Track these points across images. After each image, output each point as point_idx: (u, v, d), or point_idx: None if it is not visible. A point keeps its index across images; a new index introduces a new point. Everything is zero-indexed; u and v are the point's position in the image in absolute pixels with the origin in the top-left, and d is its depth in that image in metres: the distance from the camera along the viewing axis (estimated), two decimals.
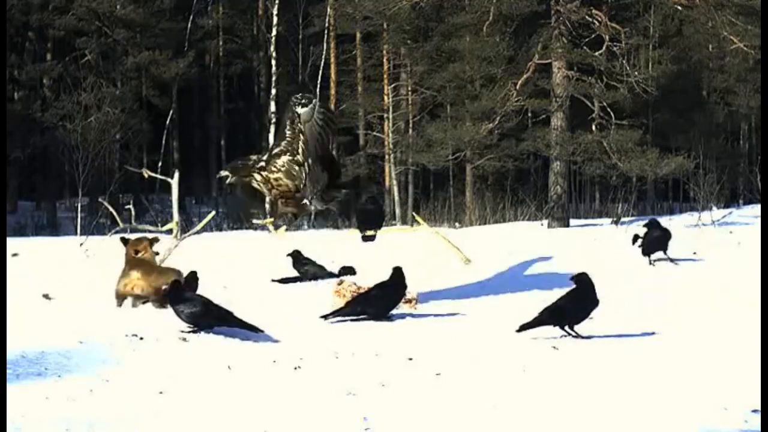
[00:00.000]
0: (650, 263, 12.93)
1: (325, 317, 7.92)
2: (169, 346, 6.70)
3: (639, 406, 5.30)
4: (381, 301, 8.25)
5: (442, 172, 31.56)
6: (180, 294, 7.30)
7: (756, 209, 23.27)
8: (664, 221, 23.55)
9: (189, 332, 7.02)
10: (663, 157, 24.50)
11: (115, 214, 19.04)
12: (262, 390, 5.66)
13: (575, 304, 7.48)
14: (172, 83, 32.47)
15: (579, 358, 6.71)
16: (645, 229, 13.62)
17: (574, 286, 7.61)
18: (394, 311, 8.99)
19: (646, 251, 13.03)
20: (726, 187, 26.16)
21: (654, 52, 28.43)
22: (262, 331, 7.13)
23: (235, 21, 37.19)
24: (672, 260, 12.99)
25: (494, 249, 15.31)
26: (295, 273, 11.96)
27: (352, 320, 8.15)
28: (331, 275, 11.57)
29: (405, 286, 8.77)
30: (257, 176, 9.89)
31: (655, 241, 13.08)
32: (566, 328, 7.44)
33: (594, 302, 7.54)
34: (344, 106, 33.96)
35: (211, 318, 7.06)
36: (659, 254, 13.11)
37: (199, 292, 8.48)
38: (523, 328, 7.33)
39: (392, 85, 32.39)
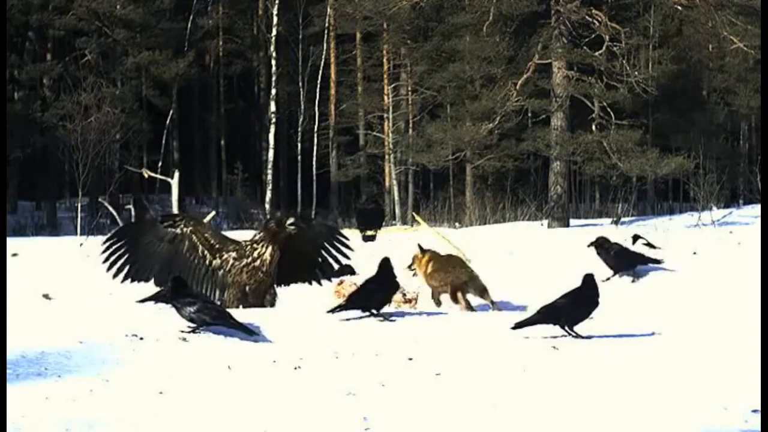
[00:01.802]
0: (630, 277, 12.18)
1: (332, 311, 7.90)
2: (169, 346, 6.69)
3: (639, 406, 5.30)
4: (376, 295, 8.21)
5: (442, 172, 31.58)
6: (181, 291, 7.31)
7: (756, 209, 23.27)
8: (664, 221, 23.59)
9: (189, 332, 7.02)
10: (663, 157, 24.51)
11: (115, 214, 19.12)
12: (262, 390, 5.66)
13: (573, 304, 7.47)
14: (172, 83, 32.48)
15: (579, 358, 6.70)
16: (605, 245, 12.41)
17: (577, 285, 7.60)
18: (394, 309, 9.01)
19: (617, 269, 12.10)
20: (726, 187, 26.18)
21: (654, 52, 28.45)
22: (256, 333, 7.13)
23: (235, 21, 37.22)
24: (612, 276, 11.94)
25: (494, 249, 15.31)
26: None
27: (352, 319, 8.15)
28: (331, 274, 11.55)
29: (395, 276, 8.75)
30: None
31: (620, 257, 12.16)
32: (565, 327, 7.43)
33: (594, 303, 7.53)
34: (344, 106, 33.99)
35: (209, 317, 7.06)
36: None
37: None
38: (519, 325, 7.33)
39: (392, 85, 32.42)
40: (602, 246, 12.13)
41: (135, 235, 9.48)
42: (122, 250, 9.28)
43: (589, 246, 12.30)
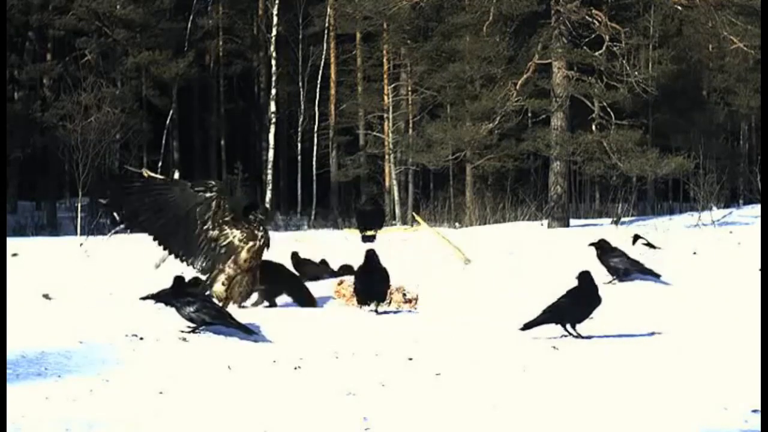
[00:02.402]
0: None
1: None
2: (169, 346, 6.69)
3: (639, 406, 5.30)
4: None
5: (442, 172, 31.59)
6: (181, 290, 7.31)
7: (756, 209, 23.29)
8: (664, 221, 23.59)
9: (189, 332, 7.02)
10: (663, 157, 24.54)
11: (115, 214, 19.06)
12: (262, 390, 5.66)
13: (577, 303, 7.47)
14: (172, 83, 32.48)
15: (579, 358, 6.71)
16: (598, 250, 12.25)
17: (575, 284, 7.60)
18: (394, 309, 9.02)
19: (623, 276, 11.88)
20: (726, 187, 26.20)
21: (654, 52, 28.47)
22: (256, 333, 7.13)
23: (235, 21, 37.22)
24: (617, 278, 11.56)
25: (494, 249, 15.31)
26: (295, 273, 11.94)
27: (352, 320, 8.15)
28: (331, 275, 11.57)
29: (381, 268, 8.69)
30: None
31: (617, 270, 11.89)
32: (567, 327, 7.43)
33: (596, 301, 7.52)
34: (344, 106, 33.99)
35: (208, 317, 7.06)
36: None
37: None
38: (527, 327, 7.31)
39: (392, 85, 32.42)
40: (602, 248, 12.02)
41: (156, 189, 9.15)
42: (139, 195, 9.02)
43: (590, 245, 12.20)
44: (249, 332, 7.05)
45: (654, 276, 11.56)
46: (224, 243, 8.95)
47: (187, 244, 8.96)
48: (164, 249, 9.15)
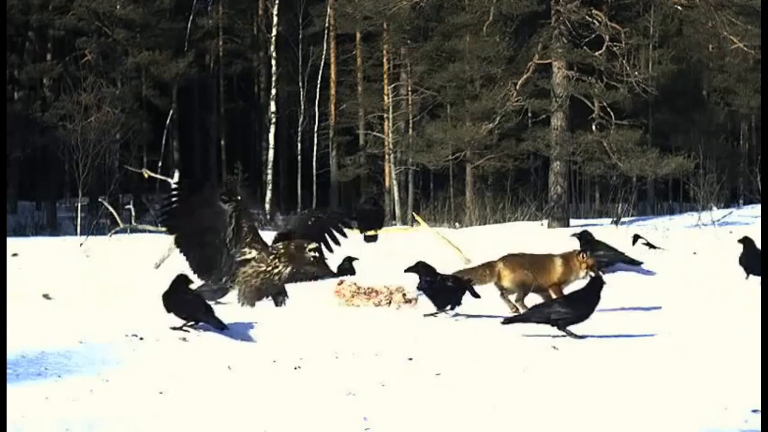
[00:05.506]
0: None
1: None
2: (169, 346, 6.70)
3: (639, 406, 5.30)
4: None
5: (442, 172, 31.58)
6: (183, 291, 7.32)
7: (756, 209, 23.29)
8: (664, 221, 23.60)
9: (188, 331, 7.03)
10: (663, 157, 24.56)
11: (115, 214, 19.10)
12: (262, 390, 5.66)
13: (565, 304, 7.48)
14: (172, 83, 32.49)
15: (579, 358, 6.71)
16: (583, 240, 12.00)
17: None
18: (394, 309, 9.03)
19: (605, 267, 11.22)
20: (726, 187, 26.21)
21: (654, 52, 28.49)
22: (228, 329, 7.05)
23: (235, 21, 37.21)
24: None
25: (494, 249, 15.28)
26: None
27: (352, 320, 8.15)
28: (331, 275, 11.55)
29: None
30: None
31: (603, 258, 11.32)
32: (558, 327, 7.41)
33: (594, 302, 7.50)
34: (344, 106, 33.99)
35: (194, 311, 7.07)
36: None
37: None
38: (508, 321, 7.41)
39: (392, 85, 32.41)
40: (585, 240, 12.10)
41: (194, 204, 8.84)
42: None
43: (572, 236, 12.31)
44: (223, 327, 6.99)
45: (635, 264, 11.68)
46: (240, 258, 8.21)
47: (205, 258, 8.63)
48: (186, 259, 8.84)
